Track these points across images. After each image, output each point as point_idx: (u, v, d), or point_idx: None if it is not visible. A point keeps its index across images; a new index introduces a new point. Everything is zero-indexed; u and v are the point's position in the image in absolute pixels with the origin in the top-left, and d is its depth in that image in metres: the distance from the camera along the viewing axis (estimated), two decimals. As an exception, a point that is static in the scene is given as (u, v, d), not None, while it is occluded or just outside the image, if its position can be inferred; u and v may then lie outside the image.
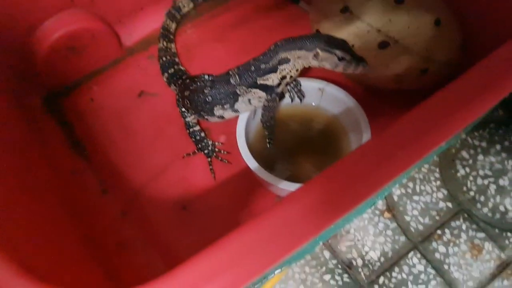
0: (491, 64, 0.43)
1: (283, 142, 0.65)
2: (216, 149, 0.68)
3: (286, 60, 0.57)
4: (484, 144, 0.71)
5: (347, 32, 0.63)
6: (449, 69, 0.66)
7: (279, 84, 0.60)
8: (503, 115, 0.74)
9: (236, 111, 0.62)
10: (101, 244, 0.61)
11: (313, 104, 0.67)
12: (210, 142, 0.67)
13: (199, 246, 0.60)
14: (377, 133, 0.63)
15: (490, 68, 0.43)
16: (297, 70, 0.59)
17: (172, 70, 0.71)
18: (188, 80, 0.67)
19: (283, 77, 0.59)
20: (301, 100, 0.65)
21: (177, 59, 0.74)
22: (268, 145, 0.63)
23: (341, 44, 0.54)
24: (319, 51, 0.54)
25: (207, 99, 0.61)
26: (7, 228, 0.42)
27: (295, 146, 0.65)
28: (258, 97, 0.61)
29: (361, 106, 0.63)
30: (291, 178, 0.58)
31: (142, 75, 0.74)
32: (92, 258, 0.56)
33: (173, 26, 0.77)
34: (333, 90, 0.64)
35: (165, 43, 0.74)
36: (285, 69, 0.58)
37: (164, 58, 0.73)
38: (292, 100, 0.65)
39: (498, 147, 0.71)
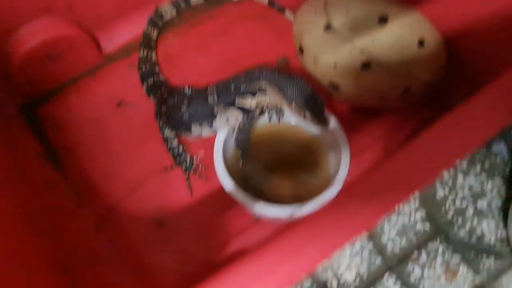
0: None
1: (260, 159, 0.64)
2: (194, 164, 0.67)
3: (264, 91, 0.57)
4: (464, 165, 0.71)
5: (330, 51, 0.62)
6: (432, 87, 0.65)
7: (256, 107, 0.59)
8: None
9: (214, 129, 0.61)
10: (74, 260, 0.60)
11: (292, 123, 0.65)
12: (188, 157, 0.66)
13: (175, 265, 0.60)
14: (356, 152, 0.63)
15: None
16: (273, 103, 0.58)
17: (152, 81, 0.70)
18: (166, 94, 0.65)
19: (260, 105, 0.58)
20: (279, 120, 0.64)
21: (157, 69, 0.72)
22: (240, 163, 0.62)
23: (316, 105, 0.55)
24: (294, 104, 0.54)
25: (184, 117, 0.60)
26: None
27: (273, 164, 0.64)
28: (235, 118, 0.60)
29: (343, 123, 0.63)
30: (268, 197, 0.58)
31: (121, 84, 0.73)
32: (63, 274, 0.55)
33: (154, 33, 0.75)
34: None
35: (145, 52, 0.72)
36: (262, 99, 0.58)
37: (144, 68, 0.71)
38: (270, 120, 0.64)
39: (478, 168, 0.71)
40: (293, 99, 0.55)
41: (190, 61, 0.75)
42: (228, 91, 0.59)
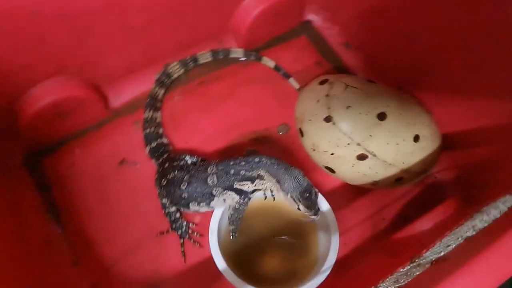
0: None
1: (252, 234, 0.67)
2: (190, 231, 0.69)
3: (263, 179, 0.59)
4: None
5: (327, 140, 0.64)
6: (422, 176, 0.68)
7: (253, 191, 0.62)
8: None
9: (212, 207, 0.64)
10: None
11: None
12: (184, 223, 0.69)
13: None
14: (345, 229, 0.66)
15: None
16: (271, 187, 0.61)
17: (155, 143, 0.72)
18: (167, 164, 0.68)
19: (258, 189, 0.61)
20: (274, 198, 0.66)
21: (161, 130, 0.75)
22: (231, 238, 0.64)
23: (310, 199, 0.58)
24: (289, 196, 0.57)
25: (183, 195, 0.63)
26: None
27: (265, 239, 0.67)
28: (232, 198, 0.62)
29: (335, 197, 0.68)
30: (258, 273, 0.62)
31: (125, 142, 0.75)
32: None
33: (161, 92, 0.77)
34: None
35: (151, 113, 0.74)
36: (261, 184, 0.60)
37: (148, 130, 0.73)
38: (265, 198, 0.66)
39: None
40: (289, 192, 0.58)
41: (194, 122, 0.78)
42: (228, 175, 0.61)
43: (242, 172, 0.60)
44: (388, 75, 0.78)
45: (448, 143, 0.72)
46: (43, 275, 0.64)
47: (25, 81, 0.67)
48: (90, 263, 0.67)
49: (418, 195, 0.74)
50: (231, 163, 0.62)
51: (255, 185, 0.61)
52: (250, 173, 0.60)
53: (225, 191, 0.61)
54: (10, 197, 0.68)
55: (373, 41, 0.81)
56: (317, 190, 0.59)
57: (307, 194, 0.58)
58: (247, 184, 0.61)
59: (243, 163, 0.61)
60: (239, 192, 0.61)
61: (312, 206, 0.58)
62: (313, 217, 0.59)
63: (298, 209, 0.59)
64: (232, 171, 0.61)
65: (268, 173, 0.59)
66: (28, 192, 0.71)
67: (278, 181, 0.59)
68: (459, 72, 0.67)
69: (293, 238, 0.67)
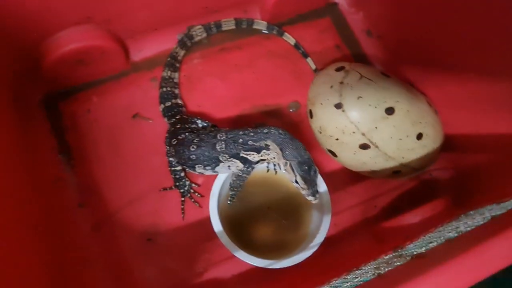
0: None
1: (250, 202, 0.70)
2: (192, 190, 0.73)
3: (269, 149, 0.62)
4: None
5: (335, 125, 0.67)
6: (419, 172, 0.71)
7: (258, 161, 0.65)
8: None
9: (216, 172, 0.67)
10: (65, 258, 0.66)
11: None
12: (187, 183, 0.72)
13: (155, 279, 0.67)
14: (337, 211, 0.70)
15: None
16: (274, 158, 0.63)
17: (169, 103, 0.75)
18: (179, 124, 0.70)
19: (263, 159, 0.64)
20: (276, 172, 0.69)
21: (177, 91, 0.77)
22: (228, 202, 0.68)
23: (309, 174, 0.61)
24: (288, 165, 0.60)
25: (191, 157, 0.66)
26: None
27: (260, 209, 0.70)
28: (236, 166, 0.66)
29: (333, 179, 0.72)
30: (251, 240, 0.67)
31: (141, 97, 0.77)
32: (52, 271, 0.62)
33: (181, 53, 0.79)
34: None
35: (169, 73, 0.77)
36: (266, 154, 0.63)
37: (164, 89, 0.76)
38: (268, 170, 0.69)
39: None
40: (289, 161, 0.61)
41: (209, 87, 0.80)
42: (236, 144, 0.64)
43: (250, 142, 0.63)
44: (403, 69, 0.80)
45: (449, 144, 0.74)
46: (49, 212, 0.68)
47: (54, 25, 0.69)
48: (94, 206, 0.71)
49: (412, 189, 0.78)
50: (240, 132, 0.65)
51: (260, 155, 0.64)
52: (258, 144, 0.63)
53: (231, 158, 0.64)
54: (26, 133, 0.72)
55: (394, 32, 0.82)
56: (316, 168, 0.62)
57: (306, 167, 0.61)
58: (253, 154, 0.64)
59: (251, 133, 0.64)
60: (244, 160, 0.64)
61: (309, 182, 0.61)
62: (310, 198, 0.62)
63: (296, 182, 0.62)
64: (240, 140, 0.64)
65: (274, 142, 0.62)
66: (43, 131, 0.74)
67: (281, 149, 0.61)
68: (473, 76, 0.68)
69: (288, 213, 0.71)
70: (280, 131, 0.63)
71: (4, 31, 0.64)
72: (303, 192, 0.62)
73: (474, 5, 0.63)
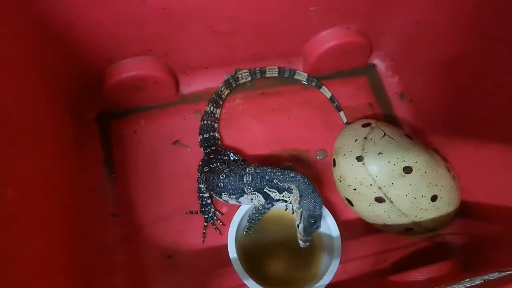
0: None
1: (265, 236, 0.75)
2: (215, 218, 0.79)
3: (291, 192, 0.68)
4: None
5: (353, 176, 0.72)
6: (431, 234, 0.74)
7: (278, 200, 0.70)
8: None
9: (240, 202, 0.73)
10: (94, 263, 0.73)
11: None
12: (212, 210, 0.78)
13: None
14: (348, 259, 0.74)
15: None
16: (293, 200, 0.69)
17: (207, 135, 0.82)
18: (213, 155, 0.77)
19: (284, 200, 0.70)
20: (293, 212, 0.74)
21: (216, 125, 0.84)
22: (244, 232, 0.74)
23: (311, 227, 0.67)
24: (299, 211, 0.67)
25: (220, 184, 0.72)
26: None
27: (274, 244, 0.75)
28: (258, 200, 0.71)
29: (347, 227, 0.76)
30: (262, 271, 0.72)
31: (183, 126, 0.85)
32: (80, 272, 0.69)
33: (226, 92, 0.87)
34: (327, 216, 0.73)
35: (212, 108, 0.84)
36: (287, 196, 0.69)
37: (205, 122, 0.83)
38: (286, 209, 0.74)
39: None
40: (302, 208, 0.67)
41: (246, 125, 0.87)
42: (262, 180, 0.70)
43: (275, 181, 0.69)
44: (429, 133, 0.85)
45: (466, 210, 0.78)
46: (86, 217, 0.76)
47: (119, 54, 0.78)
48: (125, 218, 0.78)
49: (423, 249, 0.80)
50: (268, 170, 0.70)
51: (282, 196, 0.70)
52: (282, 184, 0.69)
53: (255, 192, 0.70)
54: (79, 144, 0.80)
55: (425, 99, 0.87)
56: (320, 226, 0.68)
57: (312, 221, 0.66)
58: (275, 192, 0.69)
59: (279, 173, 0.70)
60: (267, 196, 0.70)
61: (307, 232, 0.67)
62: (301, 243, 0.68)
63: (297, 226, 0.68)
64: (267, 177, 0.70)
65: (297, 188, 0.68)
66: (93, 145, 0.82)
67: (300, 196, 0.67)
68: (495, 149, 0.72)
69: (299, 252, 0.75)
70: (305, 180, 0.69)
71: (77, 54, 0.74)
72: (298, 235, 0.68)
73: (505, 85, 0.67)
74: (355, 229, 0.81)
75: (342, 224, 0.75)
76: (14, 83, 0.60)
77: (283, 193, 0.69)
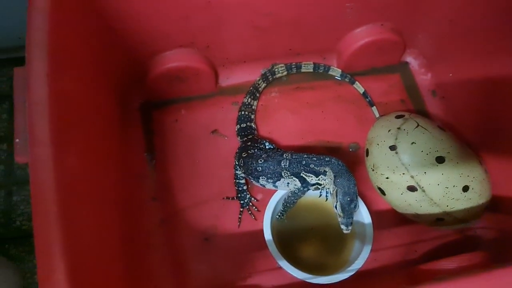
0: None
1: (299, 222, 0.78)
2: (251, 204, 0.82)
3: (326, 175, 0.71)
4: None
5: (386, 165, 0.74)
6: (462, 225, 0.76)
7: (314, 184, 0.73)
8: None
9: (276, 187, 0.76)
10: (137, 241, 0.77)
11: (337, 203, 0.79)
12: (248, 196, 0.82)
13: (205, 275, 0.76)
14: (379, 248, 0.76)
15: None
16: (328, 183, 0.72)
17: (245, 125, 0.86)
18: (250, 143, 0.81)
19: (319, 183, 0.72)
20: (326, 199, 0.77)
21: (253, 116, 0.88)
22: (277, 216, 0.77)
23: (349, 206, 0.68)
24: (334, 191, 0.69)
25: (258, 169, 0.75)
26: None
27: (308, 229, 0.78)
28: (294, 184, 0.74)
29: (379, 218, 0.78)
30: (295, 254, 0.74)
31: (221, 116, 0.89)
32: (127, 250, 0.73)
33: (262, 85, 0.91)
34: (360, 203, 0.76)
35: (249, 100, 0.88)
36: (323, 179, 0.71)
37: (243, 112, 0.87)
38: (320, 195, 0.77)
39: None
40: (337, 187, 0.69)
41: (281, 118, 0.90)
42: (299, 164, 0.73)
43: (312, 166, 0.72)
44: (461, 130, 0.86)
45: (498, 205, 0.79)
46: (129, 200, 0.80)
47: (163, 46, 0.83)
48: (165, 202, 0.82)
49: (454, 242, 0.82)
50: (305, 155, 0.74)
51: (318, 179, 0.72)
52: (318, 168, 0.72)
53: (292, 176, 0.73)
54: (124, 132, 0.85)
55: (457, 96, 0.89)
56: (357, 204, 0.69)
57: (348, 199, 0.68)
58: (311, 176, 0.72)
59: (315, 158, 0.73)
60: (303, 180, 0.73)
61: (346, 212, 0.68)
62: (343, 227, 0.68)
63: (335, 207, 0.69)
64: (303, 162, 0.73)
65: (331, 170, 0.70)
66: (136, 132, 0.87)
67: (335, 176, 0.69)
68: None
69: (331, 238, 0.78)
70: (340, 162, 0.71)
71: (125, 46, 0.79)
72: (339, 219, 0.68)
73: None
74: (387, 219, 0.83)
75: (374, 214, 0.77)
76: (75, 72, 0.65)
77: (319, 177, 0.72)
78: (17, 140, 0.49)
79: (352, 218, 0.68)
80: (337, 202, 0.68)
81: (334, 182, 0.70)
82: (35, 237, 0.46)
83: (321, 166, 0.72)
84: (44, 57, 0.53)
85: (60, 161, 0.50)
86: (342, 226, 0.68)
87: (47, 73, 0.52)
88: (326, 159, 0.72)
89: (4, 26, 0.97)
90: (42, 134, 0.49)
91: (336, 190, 0.69)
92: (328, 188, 0.73)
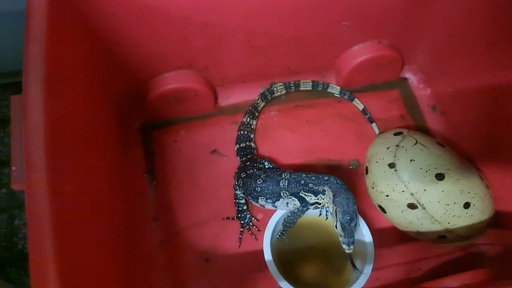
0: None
1: (300, 242, 0.78)
2: (251, 223, 0.82)
3: (325, 194, 0.70)
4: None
5: (386, 183, 0.74)
6: (465, 242, 0.75)
7: (313, 204, 0.73)
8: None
9: (275, 207, 0.76)
10: (136, 260, 0.77)
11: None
12: (248, 215, 0.82)
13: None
14: (380, 267, 0.75)
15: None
16: (327, 203, 0.71)
17: (244, 144, 0.86)
18: (249, 162, 0.81)
19: (318, 203, 0.72)
20: (326, 218, 0.76)
21: (252, 135, 0.88)
22: (277, 236, 0.76)
23: (349, 225, 0.67)
24: (334, 210, 0.68)
25: (257, 189, 0.75)
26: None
27: (309, 250, 0.77)
28: (294, 204, 0.74)
29: (380, 236, 0.78)
30: (295, 275, 0.73)
31: (221, 136, 0.90)
32: (126, 270, 0.72)
33: (262, 105, 0.91)
34: (360, 222, 0.75)
35: (248, 119, 0.88)
36: (322, 198, 0.71)
37: (242, 132, 0.87)
38: (320, 214, 0.77)
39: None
40: (336, 207, 0.68)
41: (281, 136, 0.91)
42: (297, 184, 0.73)
43: (310, 185, 0.72)
44: (462, 145, 0.86)
45: (501, 220, 0.78)
46: (129, 220, 0.79)
47: (161, 67, 0.84)
48: (165, 222, 0.82)
49: (457, 259, 0.81)
50: (303, 175, 0.73)
51: (317, 198, 0.72)
52: (316, 187, 0.71)
53: (291, 196, 0.73)
54: (124, 152, 0.85)
55: (458, 111, 0.89)
56: (358, 223, 0.69)
57: (348, 217, 0.67)
58: (310, 195, 0.72)
59: (313, 178, 0.72)
60: (302, 200, 0.73)
61: (347, 231, 0.67)
62: (345, 246, 0.68)
63: (336, 227, 0.69)
64: (302, 182, 0.73)
65: (330, 189, 0.70)
66: (136, 153, 0.87)
67: (334, 195, 0.69)
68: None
69: (332, 257, 0.77)
70: (338, 181, 0.71)
71: (124, 68, 0.80)
72: (340, 239, 0.68)
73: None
74: (388, 237, 0.82)
75: (375, 232, 0.77)
76: (74, 95, 0.65)
77: (318, 196, 0.72)
78: (14, 167, 0.50)
79: (354, 237, 0.68)
80: (337, 222, 0.68)
81: (333, 201, 0.70)
82: (30, 262, 0.46)
83: (319, 185, 0.72)
84: (41, 83, 0.53)
85: (56, 186, 0.50)
86: (344, 246, 0.68)
87: (43, 99, 0.52)
88: (325, 178, 0.72)
89: (6, 51, 0.98)
90: (38, 160, 0.49)
91: (336, 209, 0.68)
92: (328, 207, 0.73)
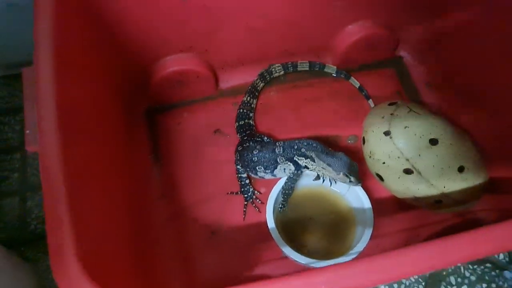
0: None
1: (301, 211, 0.81)
2: (254, 197, 0.85)
3: (313, 160, 0.74)
4: (473, 278, 0.82)
5: (382, 151, 0.77)
6: (462, 207, 0.77)
7: (305, 167, 0.76)
8: (502, 260, 0.83)
9: (274, 175, 0.79)
10: (144, 236, 0.80)
11: (338, 191, 0.81)
12: (251, 189, 0.85)
13: (211, 267, 0.78)
14: (380, 235, 0.77)
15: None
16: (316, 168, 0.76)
17: (243, 122, 0.89)
18: (247, 137, 0.84)
19: (307, 166, 0.76)
20: (330, 184, 0.79)
21: (251, 114, 0.91)
22: (279, 208, 0.79)
23: (355, 170, 0.72)
24: (341, 174, 0.71)
25: (253, 159, 0.78)
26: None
27: (310, 218, 0.80)
28: (290, 169, 0.77)
29: (380, 205, 0.81)
30: (298, 243, 0.76)
31: (223, 116, 0.93)
32: (135, 243, 0.76)
33: (261, 85, 0.95)
34: (358, 190, 0.78)
35: (248, 98, 0.92)
36: (310, 164, 0.76)
37: (242, 110, 0.90)
38: (323, 181, 0.79)
39: (484, 285, 0.81)
40: (340, 171, 0.72)
41: (279, 115, 0.94)
42: (291, 149, 0.77)
43: (303, 150, 0.75)
44: (457, 117, 0.89)
45: (496, 187, 0.80)
46: (138, 198, 0.83)
47: (163, 51, 0.87)
48: (172, 199, 0.85)
49: (455, 225, 0.83)
50: (296, 141, 0.77)
51: (306, 162, 0.76)
52: (307, 152, 0.75)
53: (287, 161, 0.76)
54: (131, 136, 0.88)
55: (451, 87, 0.92)
56: (356, 164, 0.74)
57: (353, 167, 0.72)
58: (302, 159, 0.76)
59: (305, 143, 0.76)
60: (296, 164, 0.76)
61: (358, 175, 0.73)
62: (354, 184, 0.73)
63: (350, 181, 0.73)
64: (295, 147, 0.76)
65: (317, 156, 0.74)
66: (142, 136, 0.91)
67: (329, 165, 0.72)
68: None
69: (332, 226, 0.80)
70: (323, 148, 0.76)
71: (127, 53, 0.83)
72: (349, 184, 0.74)
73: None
74: (387, 206, 0.85)
75: (374, 202, 0.79)
76: (81, 80, 0.69)
77: (308, 160, 0.75)
78: (27, 131, 0.53)
79: (358, 173, 0.73)
80: (350, 177, 0.72)
81: (334, 169, 0.73)
82: (46, 220, 0.49)
83: (308, 151, 0.76)
84: (50, 59, 0.57)
85: (68, 150, 0.53)
86: (354, 184, 0.73)
87: (53, 73, 0.56)
88: (313, 145, 0.76)
89: (15, 43, 1.02)
90: (49, 126, 0.52)
91: (342, 172, 0.72)
92: (323, 173, 0.76)
